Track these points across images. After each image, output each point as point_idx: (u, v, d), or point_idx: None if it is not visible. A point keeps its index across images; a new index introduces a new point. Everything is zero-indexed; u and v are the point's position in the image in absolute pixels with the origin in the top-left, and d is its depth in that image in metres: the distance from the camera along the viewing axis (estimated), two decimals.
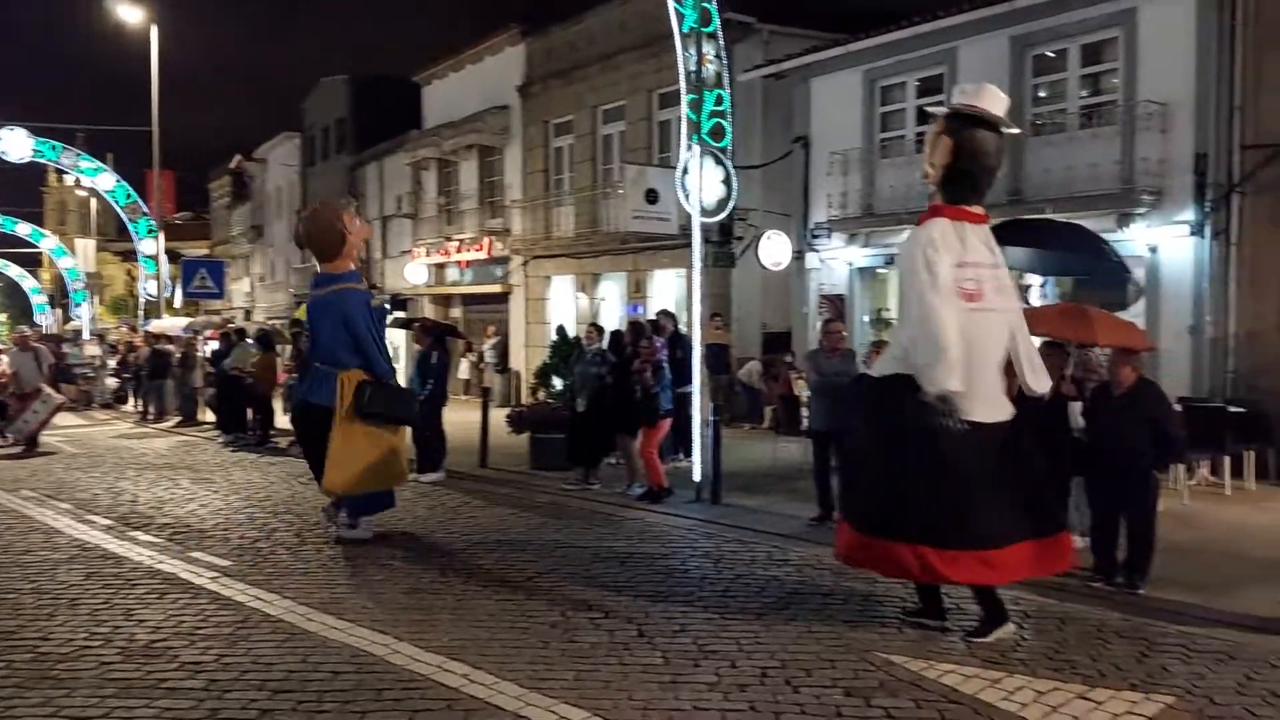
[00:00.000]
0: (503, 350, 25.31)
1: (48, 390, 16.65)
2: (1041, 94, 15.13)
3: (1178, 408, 9.00)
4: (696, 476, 11.07)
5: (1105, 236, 13.77)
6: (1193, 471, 11.48)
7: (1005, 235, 9.89)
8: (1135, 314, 13.28)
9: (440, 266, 28.27)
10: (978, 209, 6.47)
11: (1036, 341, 8.41)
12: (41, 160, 32.10)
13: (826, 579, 7.65)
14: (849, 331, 14.12)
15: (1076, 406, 7.52)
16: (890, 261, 14.57)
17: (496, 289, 26.06)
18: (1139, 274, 13.87)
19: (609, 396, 11.36)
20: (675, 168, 13.31)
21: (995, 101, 6.44)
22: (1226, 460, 11.28)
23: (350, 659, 5.82)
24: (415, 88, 30.37)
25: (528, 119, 25.07)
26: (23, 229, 38.81)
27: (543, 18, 24.73)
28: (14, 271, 47.41)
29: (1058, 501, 6.42)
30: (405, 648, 6.00)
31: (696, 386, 11.50)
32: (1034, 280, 14.40)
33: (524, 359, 24.50)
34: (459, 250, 27.21)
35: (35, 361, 16.59)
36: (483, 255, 26.41)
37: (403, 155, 29.94)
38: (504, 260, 25.86)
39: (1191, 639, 6.24)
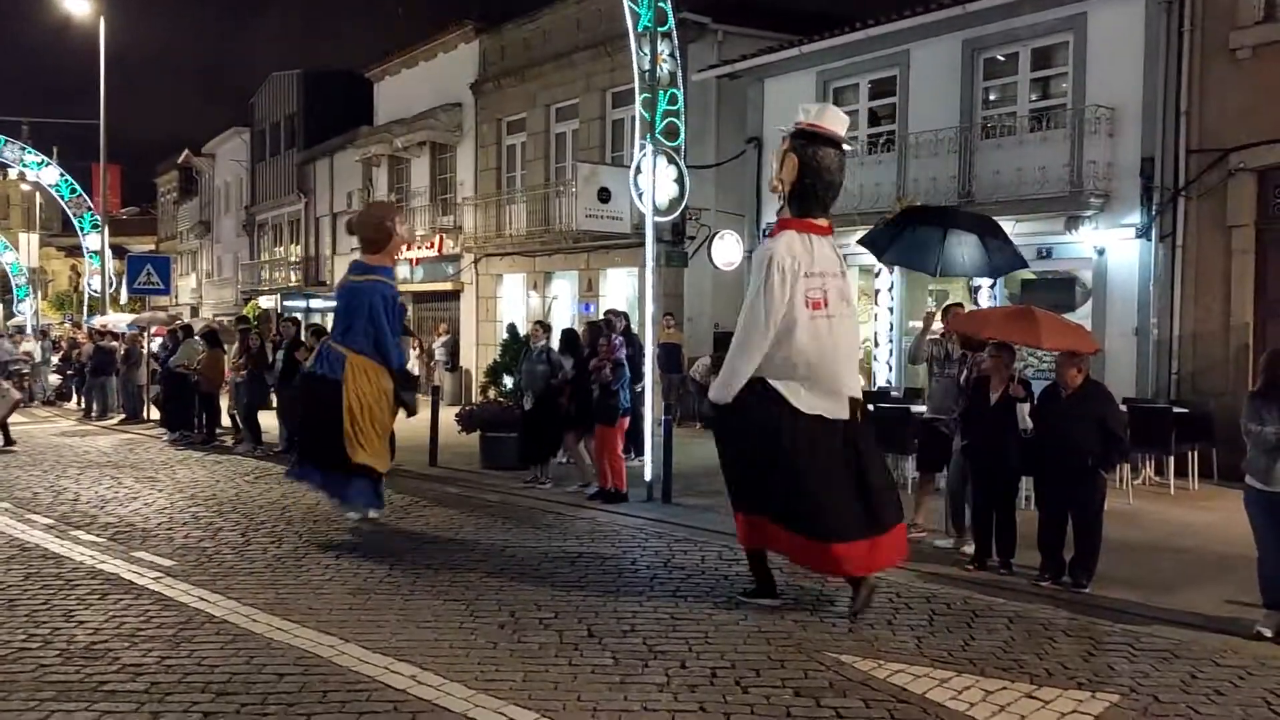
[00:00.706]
0: (453, 348, 25.13)
1: (4, 385, 16.17)
2: (992, 97, 15.31)
3: (1123, 408, 9.11)
4: (648, 476, 11.03)
5: (1054, 239, 14.00)
6: (1138, 471, 11.66)
7: (916, 216, 9.96)
8: (1082, 315, 13.50)
9: None
10: (822, 221, 7.02)
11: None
12: None
13: (777, 579, 7.62)
14: None
15: (1025, 408, 7.57)
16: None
17: (448, 287, 25.87)
18: (1085, 276, 14.08)
19: (576, 395, 11.28)
20: (628, 167, 13.31)
21: (837, 121, 7.05)
22: (1171, 460, 11.46)
23: (295, 661, 5.73)
24: (367, 83, 30.07)
25: (481, 116, 24.91)
26: None
27: (497, 15, 24.60)
28: None
29: (893, 495, 6.99)
30: (351, 649, 5.92)
31: (649, 386, 11.46)
32: (984, 282, 14.55)
33: (475, 357, 24.35)
34: (410, 248, 26.96)
35: None
36: (434, 253, 26.20)
37: (354, 151, 29.62)
38: (455, 258, 25.68)
39: (1136, 637, 6.32)
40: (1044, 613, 6.83)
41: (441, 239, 25.96)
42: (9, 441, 15.77)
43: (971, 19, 14.80)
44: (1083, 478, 7.29)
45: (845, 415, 6.76)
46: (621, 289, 20.95)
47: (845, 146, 7.09)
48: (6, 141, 31.28)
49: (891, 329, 16.51)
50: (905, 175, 15.53)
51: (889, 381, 16.00)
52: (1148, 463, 11.91)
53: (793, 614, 6.72)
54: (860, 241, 9.84)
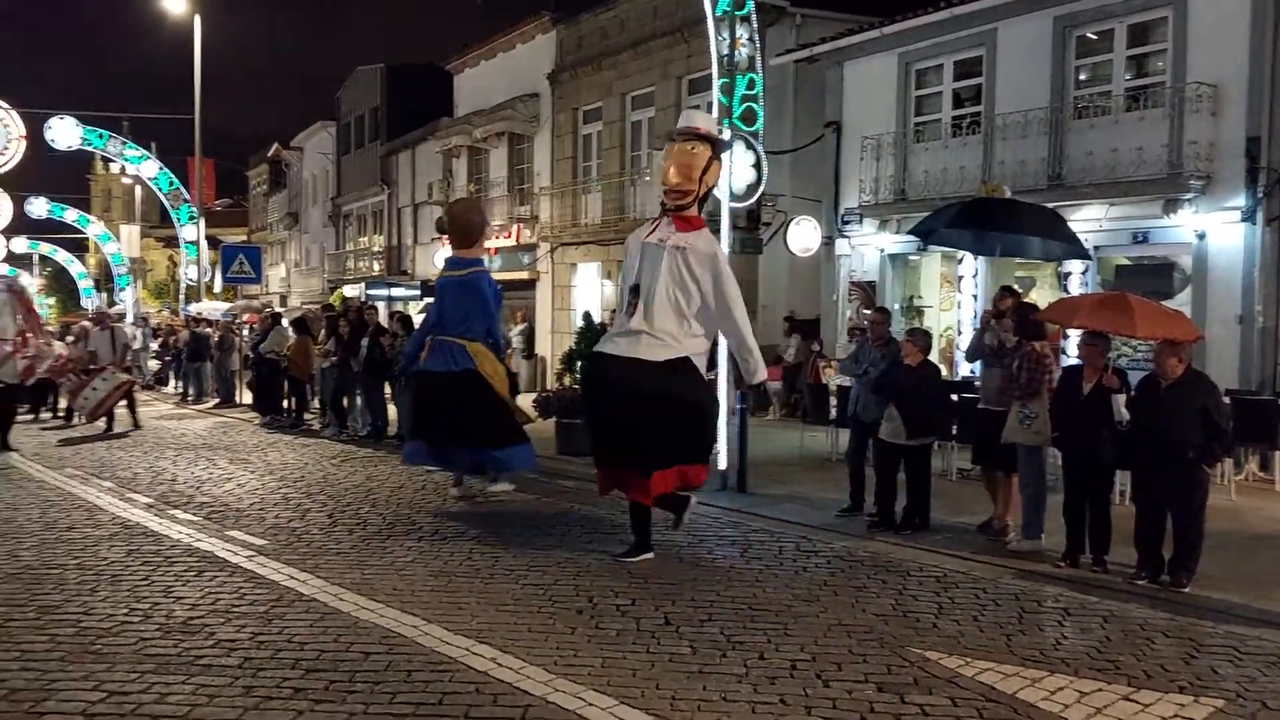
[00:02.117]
0: (529, 336, 25.31)
1: (112, 368, 16.64)
2: (1084, 76, 14.81)
3: (1225, 400, 8.72)
4: (722, 464, 10.86)
5: (1151, 223, 13.51)
6: (1240, 466, 11.19)
7: (978, 210, 9.79)
8: (1181, 302, 12.99)
9: None
10: None
11: (1074, 334, 8.33)
12: (89, 148, 32.48)
13: (859, 572, 7.51)
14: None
15: (1120, 399, 7.24)
16: (924, 248, 14.31)
17: (524, 275, 26.03)
18: (1185, 261, 13.57)
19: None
20: None
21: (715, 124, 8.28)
22: (1276, 455, 10.98)
23: (381, 640, 5.78)
24: (447, 76, 30.40)
25: (557, 106, 25.01)
26: (70, 215, 39.55)
27: (574, 5, 24.63)
28: (61, 256, 48.52)
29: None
30: (434, 630, 5.95)
31: (722, 375, 11.26)
32: (1075, 268, 14.10)
33: (550, 345, 24.50)
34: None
35: (111, 341, 16.67)
36: (511, 242, 26.38)
37: (434, 143, 29.99)
38: (532, 247, 25.84)
39: (1241, 640, 6.04)
40: (1141, 612, 6.57)
41: (519, 228, 26.13)
42: (110, 426, 16.25)
43: None
44: (1183, 472, 6.96)
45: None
46: None
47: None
48: (110, 137, 32.28)
49: (975, 316, 16.08)
50: (991, 158, 15.14)
51: (972, 372, 15.61)
52: (1251, 457, 11.43)
53: (874, 608, 6.58)
54: (911, 230, 10.01)
